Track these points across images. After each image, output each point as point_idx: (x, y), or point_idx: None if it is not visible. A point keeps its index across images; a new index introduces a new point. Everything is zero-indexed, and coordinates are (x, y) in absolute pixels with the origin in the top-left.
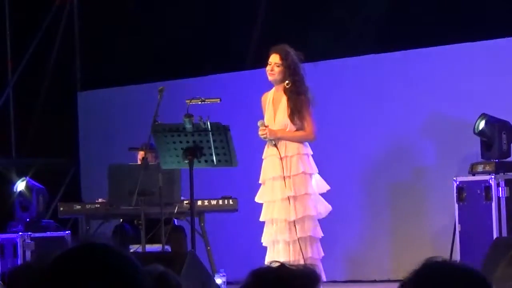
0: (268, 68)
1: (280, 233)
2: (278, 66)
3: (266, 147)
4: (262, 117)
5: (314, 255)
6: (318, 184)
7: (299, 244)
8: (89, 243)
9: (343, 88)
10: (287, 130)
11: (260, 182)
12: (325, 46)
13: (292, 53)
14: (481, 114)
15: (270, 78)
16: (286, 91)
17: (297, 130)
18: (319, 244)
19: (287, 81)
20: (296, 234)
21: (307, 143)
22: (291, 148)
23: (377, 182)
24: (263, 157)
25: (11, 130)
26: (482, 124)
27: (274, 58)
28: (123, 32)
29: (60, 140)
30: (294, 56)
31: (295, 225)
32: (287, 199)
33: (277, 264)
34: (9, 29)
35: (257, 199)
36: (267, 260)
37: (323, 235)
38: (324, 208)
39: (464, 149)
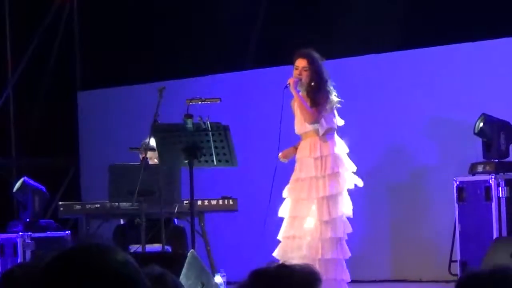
0: (296, 72)
1: (314, 232)
2: (305, 70)
3: (296, 145)
4: (262, 117)
5: (338, 255)
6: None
7: (328, 243)
8: (86, 244)
9: (342, 89)
10: (305, 131)
11: (293, 179)
12: (325, 46)
13: (317, 57)
14: (481, 115)
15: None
16: (308, 88)
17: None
18: (344, 244)
19: (312, 83)
20: (327, 233)
21: (339, 143)
22: (325, 148)
23: (377, 182)
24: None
25: (11, 130)
26: (481, 124)
27: (301, 63)
28: (123, 32)
29: (60, 140)
30: (319, 61)
31: (325, 225)
32: (321, 199)
33: (276, 264)
34: (9, 29)
35: (284, 194)
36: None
37: (344, 236)
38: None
39: (464, 149)
